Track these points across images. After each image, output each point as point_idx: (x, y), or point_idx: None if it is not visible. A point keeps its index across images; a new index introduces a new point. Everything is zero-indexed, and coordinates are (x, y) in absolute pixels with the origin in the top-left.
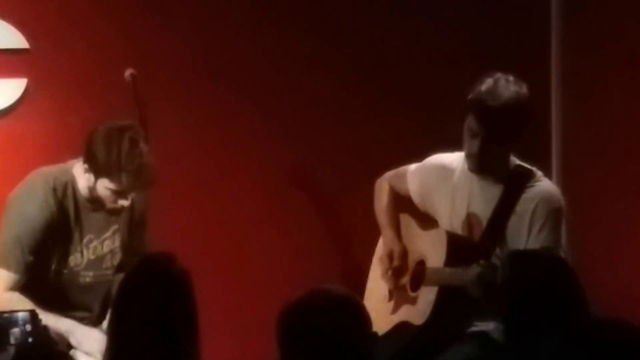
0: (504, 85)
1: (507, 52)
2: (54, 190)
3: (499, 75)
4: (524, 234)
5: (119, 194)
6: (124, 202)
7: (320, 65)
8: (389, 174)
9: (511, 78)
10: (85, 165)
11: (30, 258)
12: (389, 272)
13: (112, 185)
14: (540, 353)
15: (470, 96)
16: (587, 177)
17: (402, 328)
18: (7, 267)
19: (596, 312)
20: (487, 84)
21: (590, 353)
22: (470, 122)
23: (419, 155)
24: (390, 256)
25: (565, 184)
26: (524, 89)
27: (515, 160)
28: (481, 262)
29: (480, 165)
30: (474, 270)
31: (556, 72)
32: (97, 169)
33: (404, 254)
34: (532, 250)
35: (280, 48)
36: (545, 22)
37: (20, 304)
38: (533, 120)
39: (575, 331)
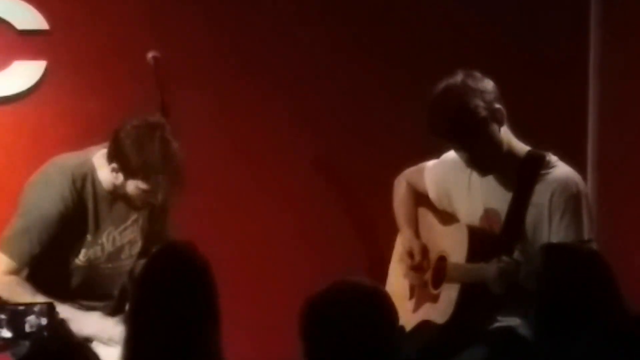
0: (438, 92)
1: (543, 42)
2: (73, 182)
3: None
4: (545, 225)
5: (149, 193)
6: (154, 201)
7: (347, 56)
8: (408, 172)
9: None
10: (114, 165)
11: (37, 250)
12: (412, 270)
13: (145, 187)
14: (574, 351)
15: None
16: (625, 169)
17: (424, 327)
18: (10, 254)
19: (631, 307)
20: (429, 102)
21: (628, 351)
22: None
23: (445, 147)
24: (410, 254)
25: (601, 175)
26: (457, 79)
27: (524, 147)
28: (503, 258)
29: (483, 168)
30: (494, 266)
31: (594, 60)
32: (129, 171)
33: (424, 250)
34: (564, 244)
35: (307, 36)
36: (584, 7)
37: (19, 288)
38: (486, 95)
39: (611, 328)
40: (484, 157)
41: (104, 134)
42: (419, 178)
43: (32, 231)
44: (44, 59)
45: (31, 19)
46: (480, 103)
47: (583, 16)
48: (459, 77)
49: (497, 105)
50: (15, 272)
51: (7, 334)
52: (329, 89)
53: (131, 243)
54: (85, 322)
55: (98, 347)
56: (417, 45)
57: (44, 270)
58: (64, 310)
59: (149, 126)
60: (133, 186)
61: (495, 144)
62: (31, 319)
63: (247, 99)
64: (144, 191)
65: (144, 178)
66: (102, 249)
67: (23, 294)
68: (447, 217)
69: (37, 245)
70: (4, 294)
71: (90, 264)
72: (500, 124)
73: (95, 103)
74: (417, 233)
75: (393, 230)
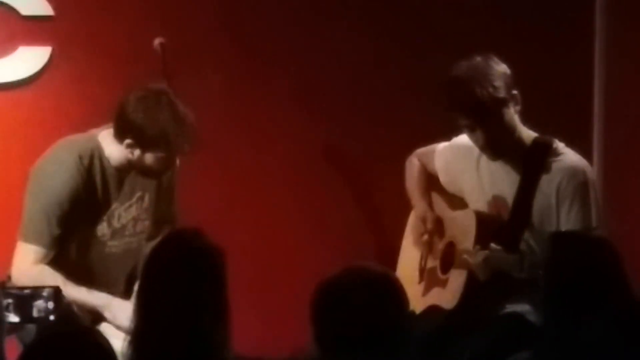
0: (461, 69)
1: (548, 26)
2: (80, 159)
3: (454, 66)
4: (553, 213)
5: (167, 159)
6: (171, 165)
7: (355, 40)
8: (419, 151)
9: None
10: (129, 141)
11: (58, 231)
12: (424, 236)
13: (163, 154)
14: (583, 338)
15: (443, 99)
16: (631, 155)
17: (433, 311)
18: (35, 241)
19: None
20: (450, 78)
21: (636, 337)
22: (459, 121)
23: (454, 133)
24: (424, 221)
25: (607, 162)
26: (478, 59)
27: (531, 134)
28: (491, 245)
29: (496, 151)
30: (482, 253)
31: (600, 45)
32: (146, 143)
33: (438, 220)
34: (573, 232)
35: (314, 22)
36: None
37: (50, 277)
38: (511, 75)
39: (620, 315)
40: (498, 139)
41: (108, 120)
42: (430, 159)
43: (50, 213)
44: (49, 45)
45: (36, 5)
46: (501, 84)
47: None
48: (479, 58)
49: (514, 91)
50: (44, 258)
51: (14, 318)
52: (338, 73)
53: (135, 220)
54: (121, 310)
55: (108, 332)
56: (426, 29)
57: (64, 254)
58: (99, 298)
59: (154, 95)
60: (152, 157)
61: (510, 127)
62: (39, 303)
63: (254, 85)
64: (162, 158)
65: (160, 146)
66: (109, 226)
67: (54, 284)
68: (456, 202)
69: (56, 226)
70: (36, 284)
71: (98, 242)
72: (516, 110)
73: (100, 89)
74: (431, 206)
75: (402, 214)
